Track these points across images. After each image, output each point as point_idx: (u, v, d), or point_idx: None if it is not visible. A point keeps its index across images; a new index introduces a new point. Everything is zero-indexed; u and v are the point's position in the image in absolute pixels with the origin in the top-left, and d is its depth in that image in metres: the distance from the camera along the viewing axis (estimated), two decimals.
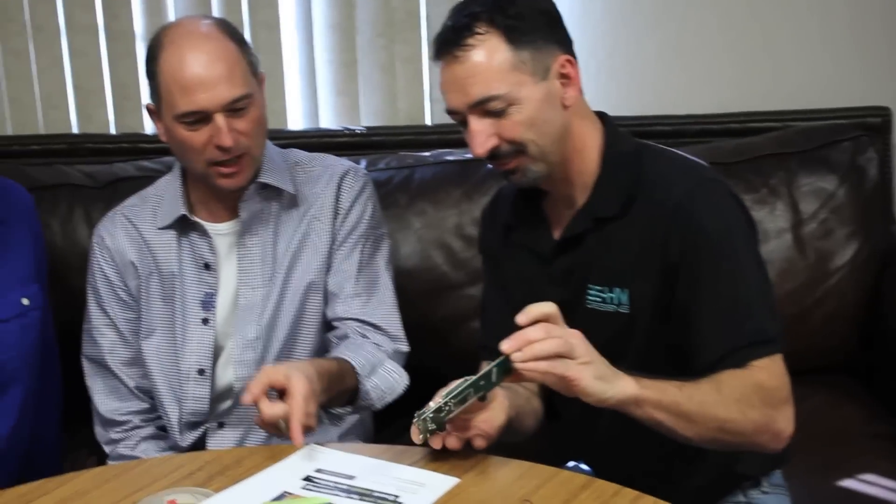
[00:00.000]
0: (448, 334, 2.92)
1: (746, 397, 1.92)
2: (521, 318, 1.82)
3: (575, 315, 2.12)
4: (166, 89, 2.29)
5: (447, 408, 1.82)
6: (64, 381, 2.66)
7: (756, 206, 2.90)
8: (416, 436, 1.85)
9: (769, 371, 1.96)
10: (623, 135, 2.19)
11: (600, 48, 3.32)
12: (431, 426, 1.83)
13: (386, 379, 2.36)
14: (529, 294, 2.22)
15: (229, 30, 2.35)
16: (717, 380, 1.93)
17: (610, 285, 2.10)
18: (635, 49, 3.34)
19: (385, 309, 2.47)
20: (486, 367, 1.86)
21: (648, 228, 2.06)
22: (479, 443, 1.93)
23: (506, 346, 1.79)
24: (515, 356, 1.78)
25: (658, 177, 2.10)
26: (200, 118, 2.26)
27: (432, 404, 1.84)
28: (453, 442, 1.91)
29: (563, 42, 2.11)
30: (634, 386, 1.86)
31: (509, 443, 2.29)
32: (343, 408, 2.35)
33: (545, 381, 1.83)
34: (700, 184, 2.08)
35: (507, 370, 1.82)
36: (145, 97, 2.39)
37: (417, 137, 3.31)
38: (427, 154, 3.15)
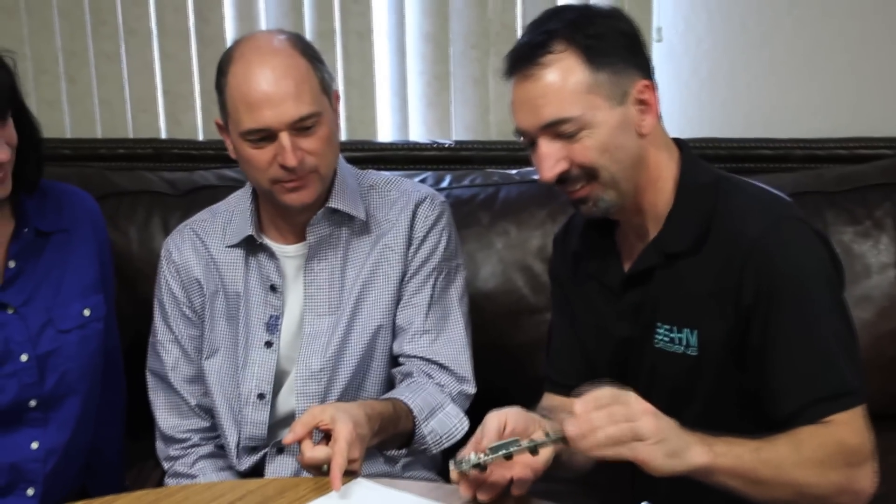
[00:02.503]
0: (525, 359, 2.80)
1: (828, 458, 1.81)
2: (578, 408, 1.70)
3: (643, 354, 2.04)
4: (232, 105, 2.22)
5: (488, 461, 1.74)
6: (134, 390, 2.61)
7: (858, 238, 2.76)
8: (454, 476, 1.78)
9: (851, 427, 1.84)
10: (701, 165, 2.07)
11: (703, 66, 3.18)
12: (468, 469, 1.75)
13: (444, 424, 2.26)
14: (597, 327, 2.14)
15: (302, 45, 2.27)
16: (796, 439, 1.81)
17: (679, 325, 1.99)
18: (740, 68, 3.19)
19: (454, 348, 2.36)
20: (540, 434, 1.78)
21: (722, 267, 1.94)
22: (517, 490, 1.82)
23: (570, 429, 1.68)
24: (579, 444, 1.68)
25: (735, 212, 1.97)
26: (265, 136, 2.19)
27: (473, 457, 1.75)
28: (484, 495, 1.81)
29: (643, 66, 2.00)
30: (706, 455, 1.74)
31: (580, 481, 2.20)
32: (398, 450, 2.26)
33: None
34: (779, 221, 1.95)
35: (565, 440, 1.73)
36: None
37: (508, 153, 3.20)
38: (513, 172, 3.04)
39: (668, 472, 1.71)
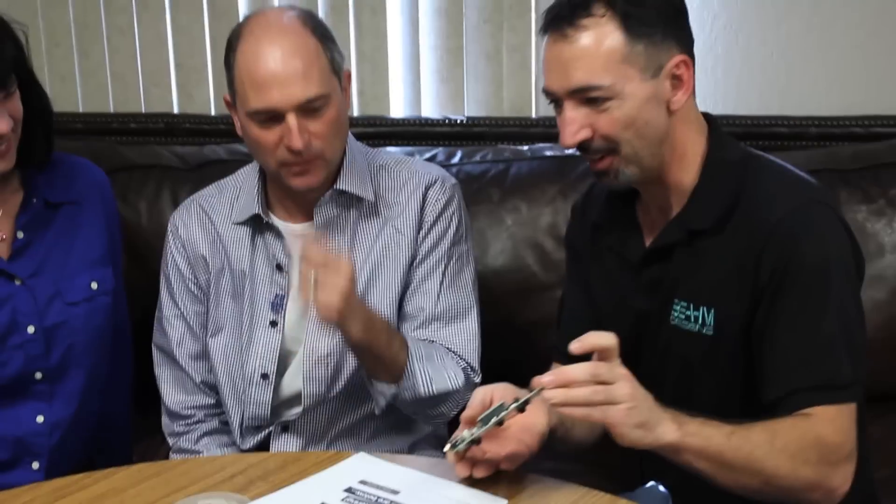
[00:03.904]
0: (535, 336, 2.79)
1: (802, 452, 1.78)
2: (574, 347, 1.69)
3: (659, 330, 2.02)
4: (240, 83, 2.18)
5: (481, 433, 1.74)
6: (143, 364, 2.61)
7: (872, 217, 2.74)
8: (451, 458, 1.78)
9: (834, 424, 1.81)
10: (729, 142, 2.03)
11: (718, 43, 3.16)
12: (464, 447, 1.74)
13: (438, 369, 2.23)
14: (614, 300, 2.12)
15: (312, 24, 2.22)
16: (772, 428, 1.78)
17: (696, 303, 1.96)
18: (756, 45, 3.16)
19: (464, 337, 2.32)
20: (526, 394, 1.75)
21: (743, 247, 1.90)
22: (507, 465, 1.81)
23: (545, 380, 1.67)
24: (550, 395, 1.66)
25: (761, 192, 1.94)
26: (272, 116, 2.15)
27: (465, 434, 1.74)
28: (481, 472, 1.79)
29: (684, 41, 1.95)
30: (675, 433, 1.72)
31: (589, 461, 2.19)
32: (388, 384, 2.22)
33: None
34: (806, 205, 1.91)
35: None
36: None
37: (521, 130, 3.20)
38: (525, 148, 3.03)
39: (635, 443, 1.70)
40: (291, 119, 2.14)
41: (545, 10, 1.96)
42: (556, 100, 1.95)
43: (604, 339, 1.70)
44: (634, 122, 1.90)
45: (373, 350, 2.16)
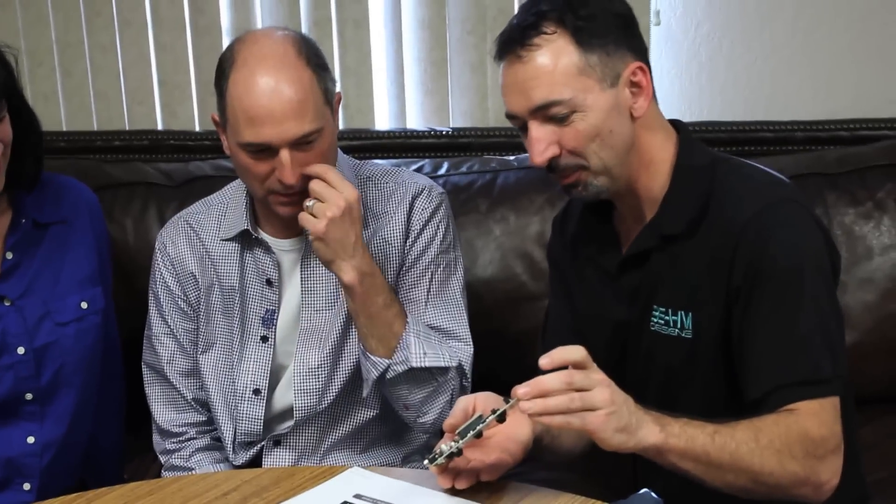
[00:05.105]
0: (526, 346, 2.74)
1: (788, 447, 1.77)
2: (543, 363, 1.68)
3: (640, 337, 2.02)
4: (232, 113, 2.14)
5: (461, 446, 1.74)
6: (133, 383, 2.60)
7: (860, 220, 2.75)
8: (433, 471, 1.77)
9: (818, 418, 1.81)
10: (698, 147, 2.04)
11: (703, 50, 3.17)
12: (443, 461, 1.74)
13: (434, 347, 2.20)
14: (595, 311, 2.13)
15: (307, 52, 2.16)
16: (756, 426, 1.78)
17: (674, 308, 1.97)
18: (740, 51, 3.17)
19: (458, 345, 2.29)
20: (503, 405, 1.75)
21: (716, 249, 1.91)
22: (487, 476, 1.81)
23: (521, 391, 1.66)
24: (526, 406, 1.65)
25: (730, 193, 1.95)
26: (264, 149, 2.12)
27: (444, 447, 1.74)
28: (462, 483, 1.79)
29: (637, 49, 1.97)
30: (658, 435, 1.72)
31: (582, 469, 2.19)
32: (381, 357, 2.19)
33: None
34: (775, 203, 1.92)
35: None
36: None
37: (507, 140, 3.18)
38: (511, 158, 3.03)
39: (617, 448, 1.69)
40: (285, 154, 2.11)
41: (496, 39, 1.98)
42: (520, 123, 1.96)
43: (573, 353, 1.69)
44: (600, 133, 1.91)
45: (367, 307, 2.15)
